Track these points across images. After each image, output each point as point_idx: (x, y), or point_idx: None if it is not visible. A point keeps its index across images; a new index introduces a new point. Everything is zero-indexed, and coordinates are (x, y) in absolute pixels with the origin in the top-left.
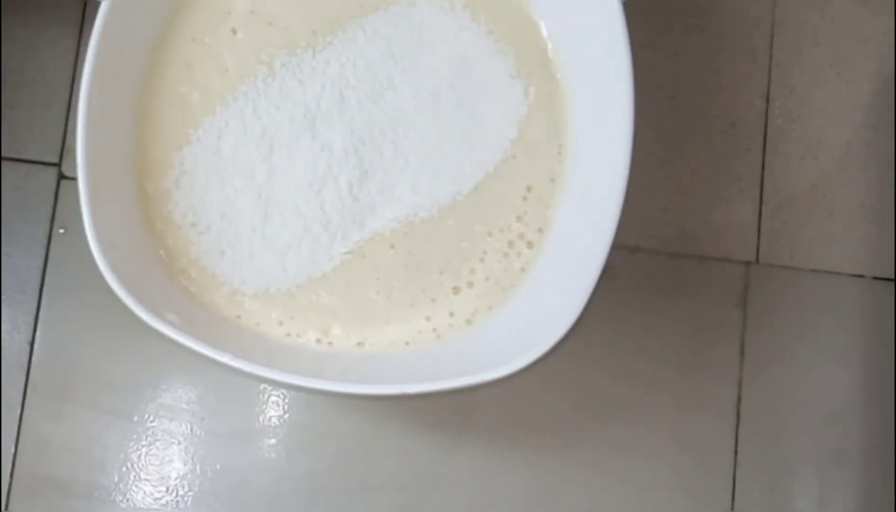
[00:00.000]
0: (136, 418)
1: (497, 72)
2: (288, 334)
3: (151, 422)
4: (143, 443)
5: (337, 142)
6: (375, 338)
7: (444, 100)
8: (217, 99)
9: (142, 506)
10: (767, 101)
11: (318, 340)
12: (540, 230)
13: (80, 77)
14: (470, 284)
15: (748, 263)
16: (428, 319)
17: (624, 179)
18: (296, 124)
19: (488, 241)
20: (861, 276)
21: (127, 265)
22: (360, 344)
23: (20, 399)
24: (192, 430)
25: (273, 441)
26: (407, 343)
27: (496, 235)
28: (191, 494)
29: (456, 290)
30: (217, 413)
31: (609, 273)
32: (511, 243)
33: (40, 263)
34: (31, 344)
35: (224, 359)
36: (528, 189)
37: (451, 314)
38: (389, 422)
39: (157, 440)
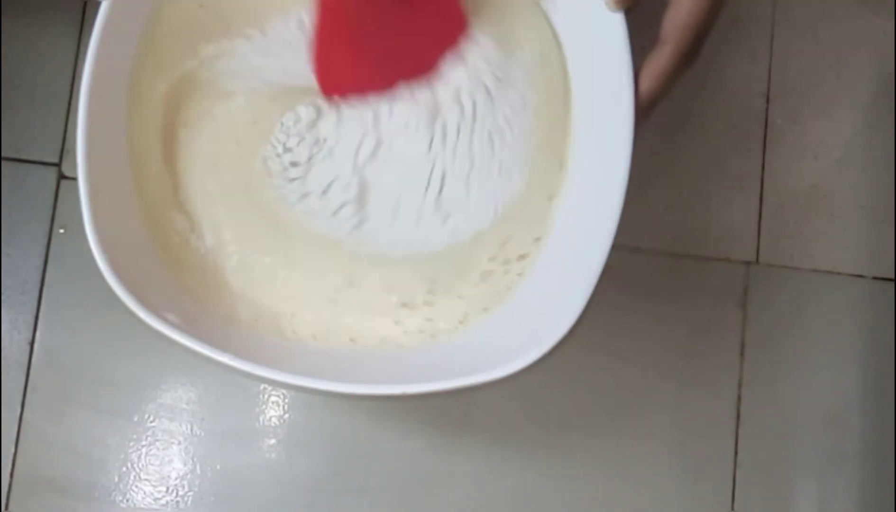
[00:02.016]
0: (136, 418)
1: None
2: (288, 334)
3: (151, 422)
4: (143, 443)
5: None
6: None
7: None
8: None
9: (142, 506)
10: (767, 101)
11: (314, 337)
12: (540, 229)
13: (80, 77)
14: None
15: (748, 263)
16: (429, 319)
17: (624, 180)
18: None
19: (488, 242)
20: (861, 276)
21: (127, 265)
22: (352, 340)
23: (20, 399)
24: (192, 430)
25: (273, 441)
26: (402, 345)
27: (496, 236)
28: (191, 494)
29: (456, 290)
30: (217, 413)
31: (609, 273)
32: (511, 244)
33: (40, 263)
34: (31, 344)
35: (224, 359)
36: (529, 190)
37: (452, 315)
38: (389, 422)
39: (157, 440)
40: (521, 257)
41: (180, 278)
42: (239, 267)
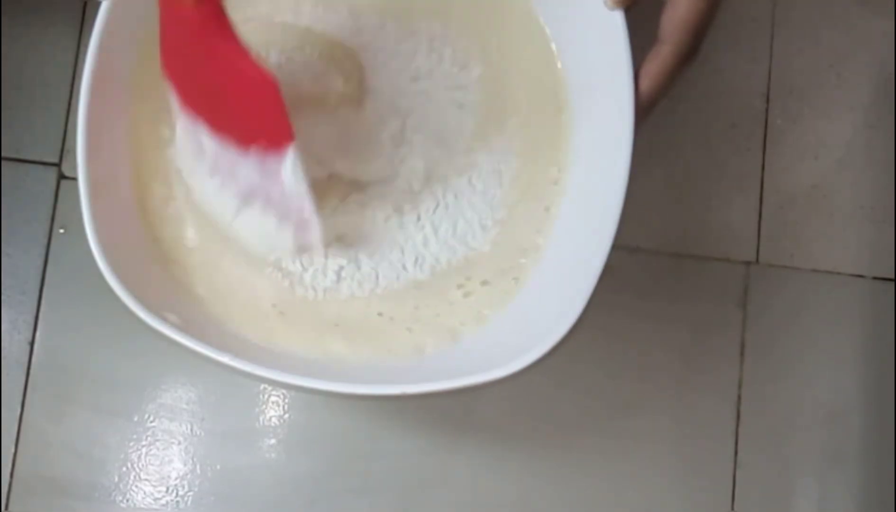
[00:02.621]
0: (136, 418)
1: None
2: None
3: (151, 422)
4: (143, 443)
5: None
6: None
7: None
8: None
9: (142, 506)
10: (767, 101)
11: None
12: (540, 232)
13: (80, 77)
14: (470, 286)
15: (748, 263)
16: (419, 335)
17: (624, 180)
18: None
19: (488, 242)
20: (861, 276)
21: (127, 265)
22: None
23: (20, 399)
24: (192, 430)
25: (273, 441)
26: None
27: (496, 237)
28: (191, 494)
29: (456, 291)
30: (217, 413)
31: (609, 273)
32: (511, 245)
33: (40, 263)
34: (31, 344)
35: (224, 359)
36: (529, 191)
37: (447, 324)
38: (389, 422)
39: (157, 440)
40: (521, 263)
41: (181, 278)
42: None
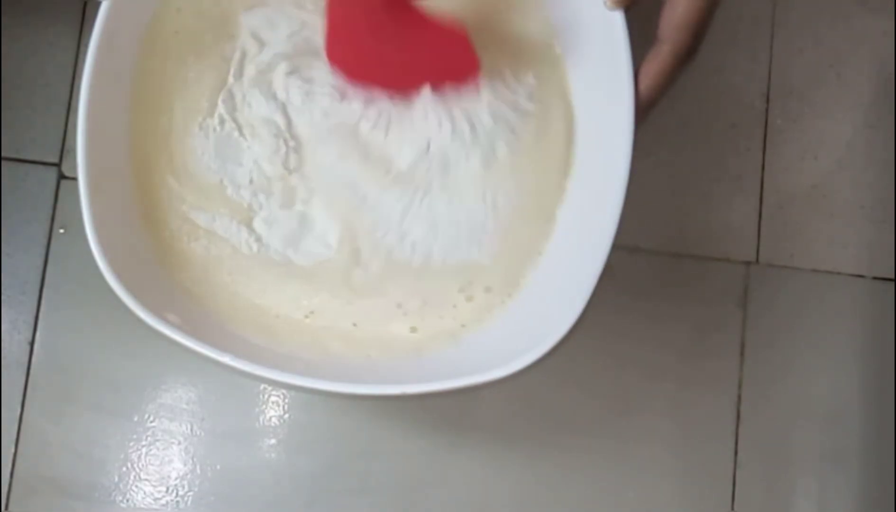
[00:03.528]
0: (136, 418)
1: None
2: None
3: (151, 422)
4: (143, 443)
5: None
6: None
7: None
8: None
9: (142, 506)
10: (767, 101)
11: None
12: (540, 234)
13: (80, 77)
14: (472, 290)
15: (748, 263)
16: (421, 328)
17: (624, 180)
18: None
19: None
20: (861, 276)
21: (127, 265)
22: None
23: (20, 399)
24: (192, 430)
25: (273, 441)
26: (400, 349)
27: (497, 237)
28: (191, 494)
29: (458, 295)
30: (217, 413)
31: (609, 273)
32: (511, 245)
33: (40, 263)
34: (31, 344)
35: (224, 359)
36: (530, 192)
37: (451, 320)
38: (389, 422)
39: (157, 440)
40: (522, 268)
41: (181, 278)
42: (232, 269)
